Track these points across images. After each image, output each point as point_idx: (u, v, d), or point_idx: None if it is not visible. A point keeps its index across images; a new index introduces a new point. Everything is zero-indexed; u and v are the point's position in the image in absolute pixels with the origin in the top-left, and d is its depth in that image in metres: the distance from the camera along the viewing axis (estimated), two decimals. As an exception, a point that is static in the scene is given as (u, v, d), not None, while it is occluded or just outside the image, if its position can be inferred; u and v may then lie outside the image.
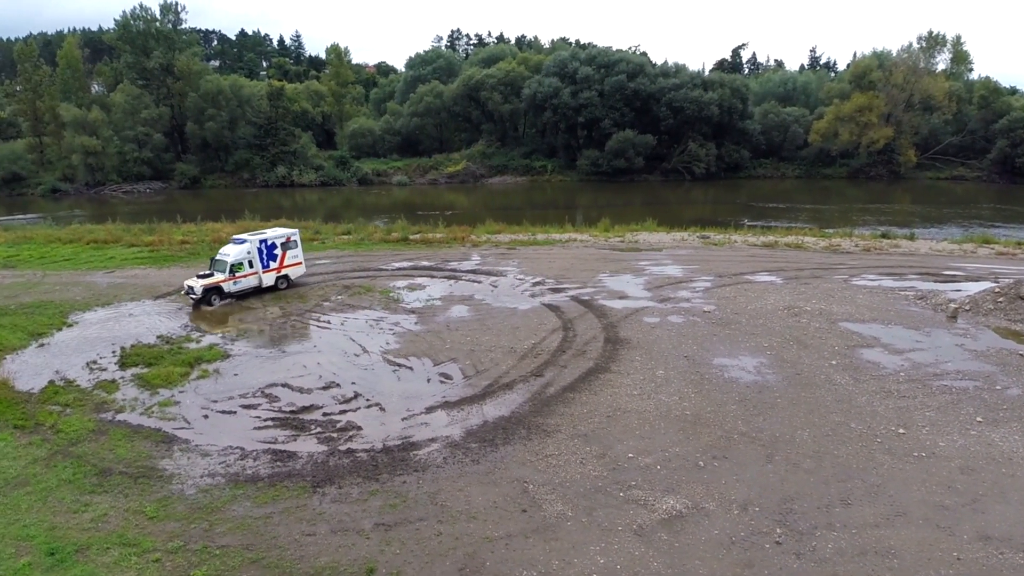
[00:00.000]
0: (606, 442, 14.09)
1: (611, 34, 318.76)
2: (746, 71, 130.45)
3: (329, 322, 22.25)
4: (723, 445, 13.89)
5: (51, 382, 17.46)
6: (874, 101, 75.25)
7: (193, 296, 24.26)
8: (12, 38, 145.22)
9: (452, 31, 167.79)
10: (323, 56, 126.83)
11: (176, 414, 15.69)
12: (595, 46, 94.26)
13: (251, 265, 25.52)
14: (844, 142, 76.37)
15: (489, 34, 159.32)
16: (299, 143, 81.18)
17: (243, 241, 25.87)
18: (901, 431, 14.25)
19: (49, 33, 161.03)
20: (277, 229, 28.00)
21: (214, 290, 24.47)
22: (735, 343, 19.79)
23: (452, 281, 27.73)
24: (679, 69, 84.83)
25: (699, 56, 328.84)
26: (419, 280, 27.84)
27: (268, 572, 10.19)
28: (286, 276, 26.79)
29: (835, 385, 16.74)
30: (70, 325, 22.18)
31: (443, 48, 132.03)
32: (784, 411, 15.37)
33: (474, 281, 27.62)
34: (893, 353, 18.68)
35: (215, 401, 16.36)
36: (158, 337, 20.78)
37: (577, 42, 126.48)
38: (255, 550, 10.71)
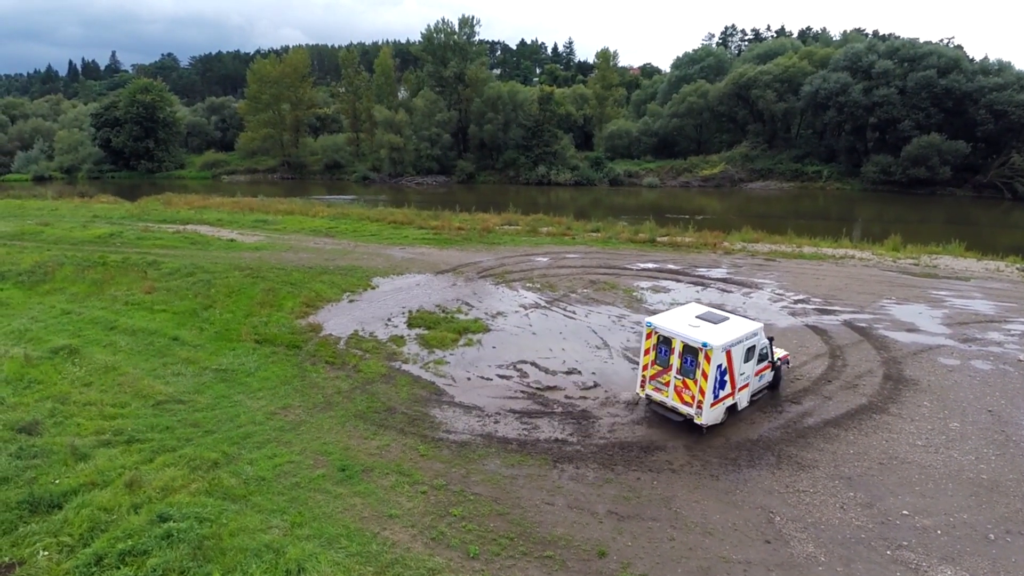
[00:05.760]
0: (875, 492, 12.21)
1: (915, 26, 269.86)
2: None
3: (575, 313, 23.27)
4: (1022, 519, 11.43)
5: (355, 331, 21.46)
6: None
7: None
8: (334, 45, 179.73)
9: (725, 28, 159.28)
10: (591, 61, 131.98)
11: (446, 372, 18.11)
12: (898, 37, 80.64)
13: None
14: None
15: (768, 28, 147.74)
16: (560, 144, 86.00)
17: (724, 318, 15.48)
18: None
19: (367, 43, 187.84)
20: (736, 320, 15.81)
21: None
22: (1073, 407, 15.34)
23: (699, 287, 26.64)
24: (1003, 67, 68.67)
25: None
26: (664, 283, 27.35)
27: (512, 527, 11.22)
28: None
29: None
30: (372, 287, 27.01)
31: (713, 46, 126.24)
32: None
33: (724, 291, 26.12)
34: None
35: (476, 367, 18.47)
36: (436, 305, 24.16)
37: (875, 33, 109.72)
38: (502, 504, 11.89)
